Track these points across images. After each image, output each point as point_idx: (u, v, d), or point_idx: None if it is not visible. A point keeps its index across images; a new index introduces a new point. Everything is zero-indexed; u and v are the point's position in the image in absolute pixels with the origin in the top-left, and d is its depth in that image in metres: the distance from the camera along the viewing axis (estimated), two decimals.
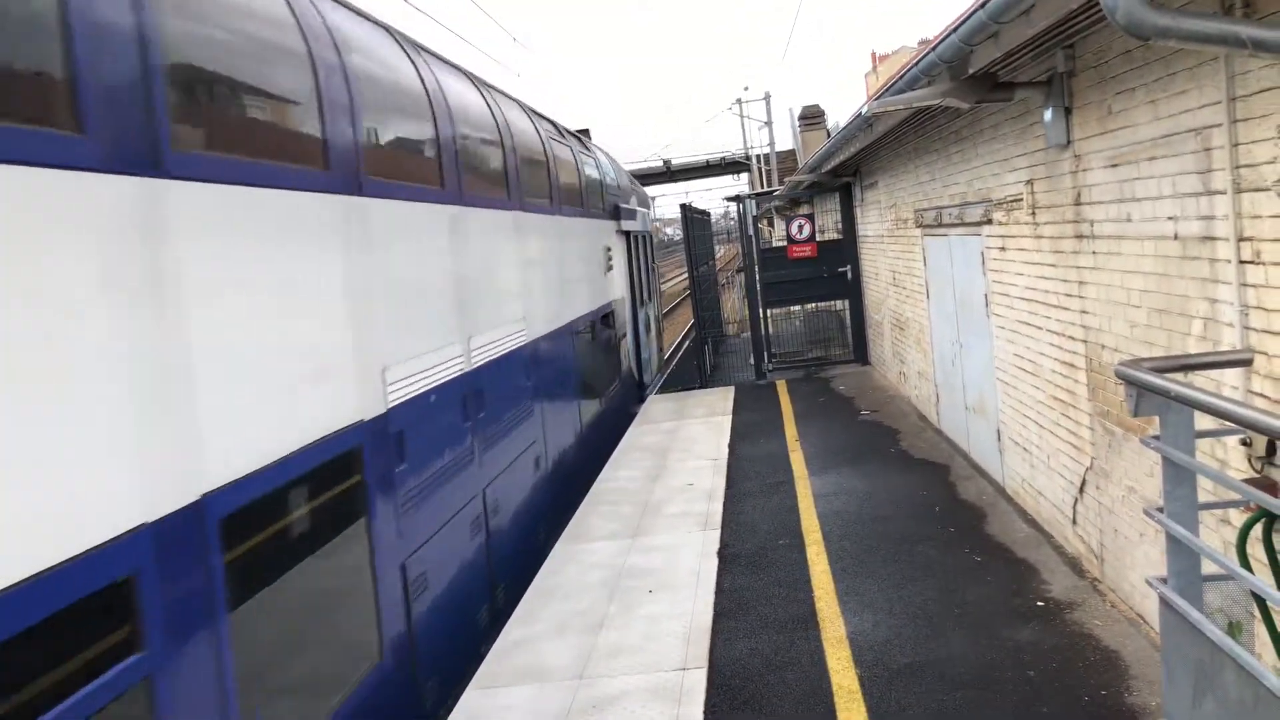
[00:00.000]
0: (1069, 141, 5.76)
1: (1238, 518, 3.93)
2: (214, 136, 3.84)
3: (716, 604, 6.26)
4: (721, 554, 7.22)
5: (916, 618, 5.79)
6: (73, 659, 2.72)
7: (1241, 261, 3.90)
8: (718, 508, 8.33)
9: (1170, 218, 4.51)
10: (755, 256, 16.20)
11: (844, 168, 14.06)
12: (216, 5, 4.05)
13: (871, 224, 13.98)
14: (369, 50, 5.65)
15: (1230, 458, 4.08)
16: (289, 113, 4.58)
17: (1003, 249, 7.41)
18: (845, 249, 15.66)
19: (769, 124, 38.72)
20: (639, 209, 16.02)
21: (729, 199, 19.87)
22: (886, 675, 5.13)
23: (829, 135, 21.68)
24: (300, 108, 4.60)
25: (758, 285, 15.99)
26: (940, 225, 9.35)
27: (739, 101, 40.44)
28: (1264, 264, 3.74)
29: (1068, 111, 5.72)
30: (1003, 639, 5.38)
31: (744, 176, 43.52)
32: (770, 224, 32.13)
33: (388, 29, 6.29)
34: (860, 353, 15.82)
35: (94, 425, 2.86)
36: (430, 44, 7.18)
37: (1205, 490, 3.73)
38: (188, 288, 3.39)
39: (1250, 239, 3.82)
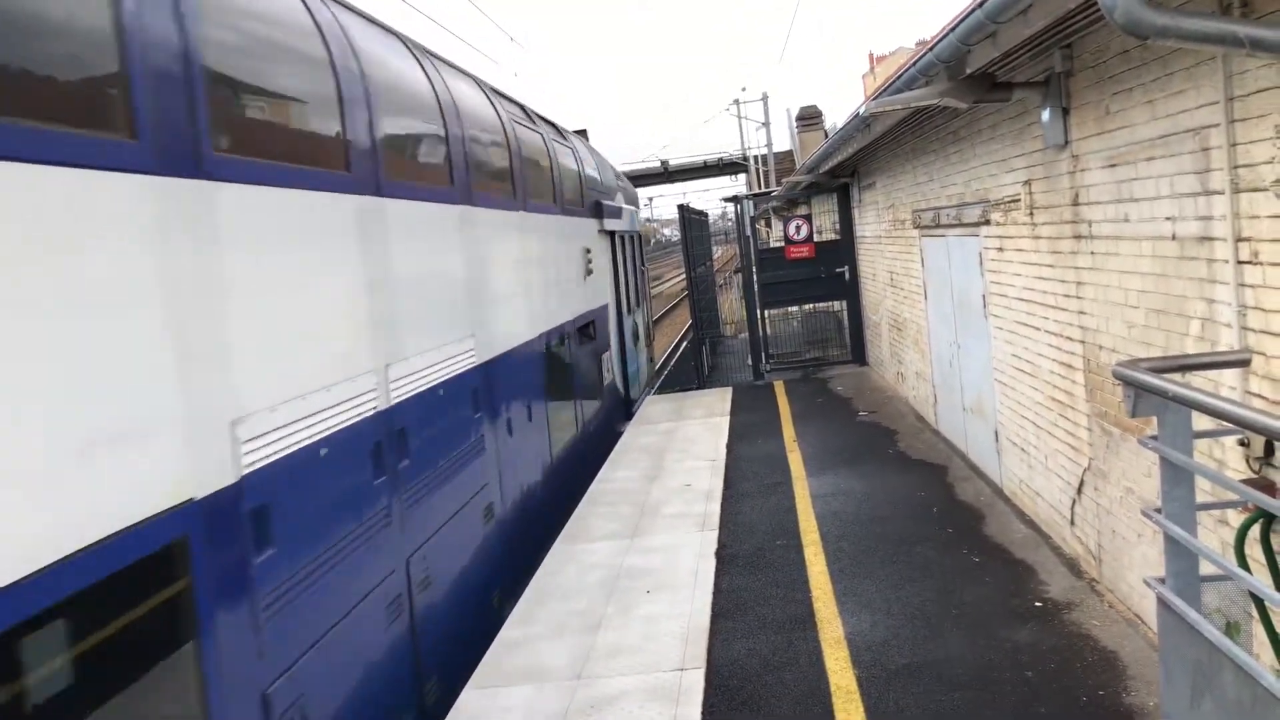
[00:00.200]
0: (1067, 142, 5.76)
1: (1236, 518, 3.93)
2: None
3: (714, 604, 6.26)
4: (720, 554, 7.21)
5: (914, 618, 5.79)
6: None
7: (1239, 262, 3.89)
8: (716, 508, 8.33)
9: (1168, 218, 4.51)
10: (753, 257, 16.22)
11: (842, 168, 14.08)
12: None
13: (869, 225, 13.98)
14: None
15: (1228, 458, 4.08)
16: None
17: (1000, 250, 7.42)
18: (843, 250, 15.67)
19: (767, 125, 38.78)
20: (625, 206, 14.86)
21: (727, 200, 19.86)
22: (884, 676, 5.13)
23: (827, 136, 21.70)
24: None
25: (755, 286, 16.00)
26: (938, 226, 9.36)
27: (736, 102, 40.52)
28: (1262, 264, 3.74)
29: (1065, 112, 5.72)
30: (1001, 640, 5.38)
31: (741, 177, 43.58)
32: (768, 225, 32.16)
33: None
34: (858, 353, 15.83)
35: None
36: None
37: (1203, 491, 3.73)
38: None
39: (1248, 239, 3.82)
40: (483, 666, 5.63)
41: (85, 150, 2.94)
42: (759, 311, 16.00)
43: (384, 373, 5.09)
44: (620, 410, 13.34)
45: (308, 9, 4.87)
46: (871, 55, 32.94)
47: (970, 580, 6.27)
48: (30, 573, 2.55)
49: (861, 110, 8.40)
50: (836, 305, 17.07)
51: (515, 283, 8.10)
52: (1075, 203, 5.72)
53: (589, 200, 12.20)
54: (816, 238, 15.93)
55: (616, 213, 13.52)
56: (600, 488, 9.46)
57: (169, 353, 3.26)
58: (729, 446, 10.76)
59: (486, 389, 6.87)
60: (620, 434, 12.34)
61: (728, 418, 12.38)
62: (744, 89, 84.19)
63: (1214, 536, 4.20)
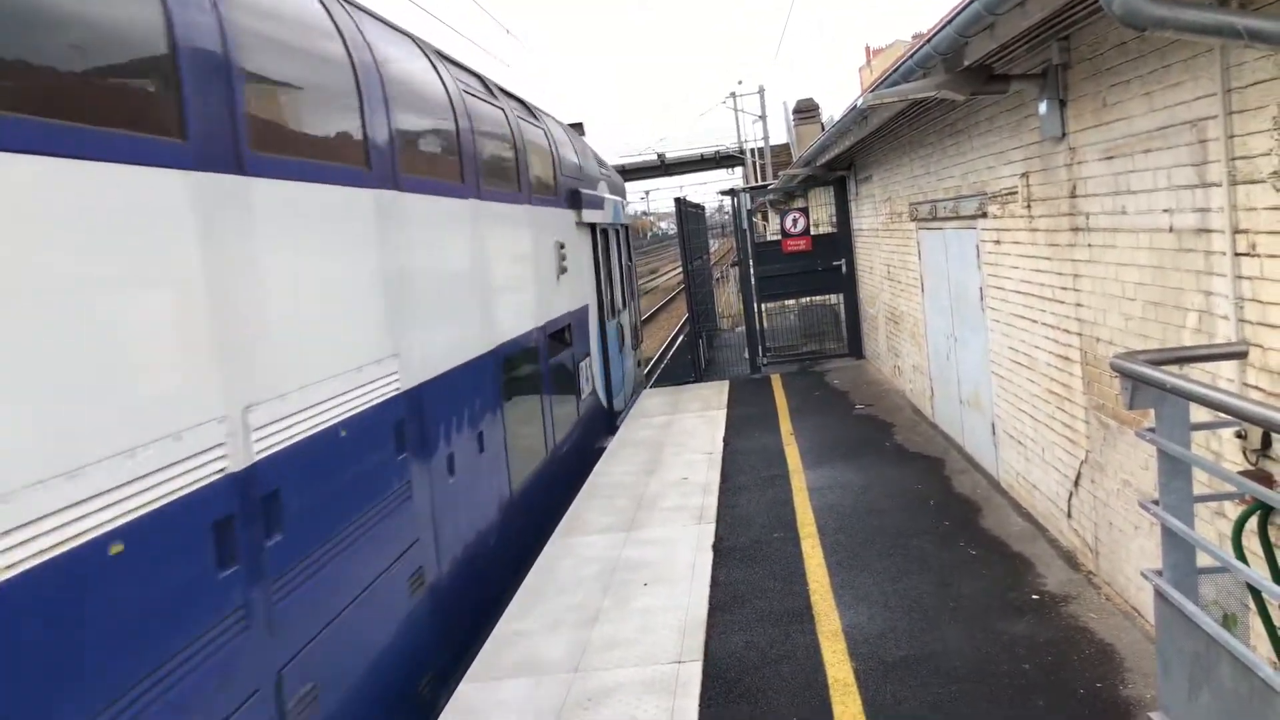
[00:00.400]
0: (1064, 134, 5.75)
1: (1233, 510, 3.93)
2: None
3: (712, 597, 6.26)
4: (717, 547, 7.21)
5: (911, 611, 5.80)
6: None
7: (1237, 254, 3.89)
8: (713, 501, 8.33)
9: (1165, 210, 4.51)
10: (750, 250, 16.21)
11: (838, 161, 14.06)
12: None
13: (866, 218, 13.97)
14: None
15: (1226, 450, 4.09)
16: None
17: (997, 242, 7.41)
18: (840, 243, 15.66)
19: (763, 118, 38.76)
20: (608, 196, 13.33)
21: (723, 193, 19.88)
22: (881, 668, 5.13)
23: (823, 129, 21.66)
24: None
25: (752, 279, 15.99)
26: (935, 219, 9.35)
27: (733, 95, 40.47)
28: (1259, 256, 3.74)
29: (1063, 104, 5.71)
30: (998, 632, 5.39)
31: (738, 170, 43.56)
32: (765, 218, 32.13)
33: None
34: (855, 347, 15.83)
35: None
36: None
37: (1201, 483, 3.74)
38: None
39: (1245, 231, 3.82)
40: (479, 660, 5.63)
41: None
42: (756, 305, 15.99)
43: (240, 419, 3.70)
44: (602, 423, 12.00)
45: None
46: (868, 48, 32.81)
47: (967, 573, 6.28)
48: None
49: (859, 102, 8.39)
50: (833, 298, 17.08)
51: (462, 286, 6.77)
52: (1072, 195, 5.71)
53: (564, 188, 10.76)
54: (813, 231, 15.92)
55: (598, 203, 12.12)
56: (598, 481, 9.45)
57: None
58: (726, 439, 10.77)
59: (416, 421, 5.54)
60: (602, 448, 11.09)
61: (725, 411, 12.38)
62: (740, 82, 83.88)
63: (1211, 529, 4.20)
